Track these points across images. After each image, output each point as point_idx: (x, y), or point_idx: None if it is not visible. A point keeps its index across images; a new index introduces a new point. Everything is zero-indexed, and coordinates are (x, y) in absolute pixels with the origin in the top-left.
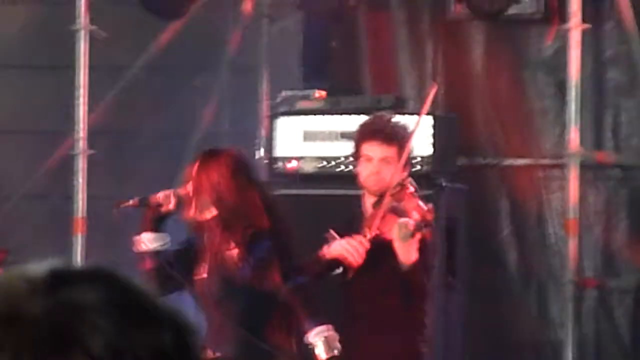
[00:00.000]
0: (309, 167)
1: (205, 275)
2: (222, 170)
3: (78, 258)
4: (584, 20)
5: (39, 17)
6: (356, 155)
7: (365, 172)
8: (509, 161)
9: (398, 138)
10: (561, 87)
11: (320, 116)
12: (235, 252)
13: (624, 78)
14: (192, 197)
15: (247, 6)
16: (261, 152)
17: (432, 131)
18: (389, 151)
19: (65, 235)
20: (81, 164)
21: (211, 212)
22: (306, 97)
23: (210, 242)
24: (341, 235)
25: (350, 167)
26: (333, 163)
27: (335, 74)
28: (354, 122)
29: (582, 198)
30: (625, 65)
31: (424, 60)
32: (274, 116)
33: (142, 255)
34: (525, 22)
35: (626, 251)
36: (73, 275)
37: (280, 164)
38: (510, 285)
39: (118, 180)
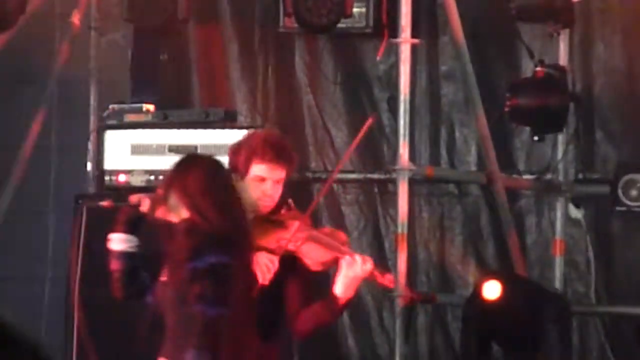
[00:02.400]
0: (137, 181)
1: (164, 279)
2: (198, 175)
3: None
4: (419, 35)
5: None
6: (241, 171)
7: (256, 193)
8: (340, 176)
9: (289, 158)
10: (391, 103)
11: (149, 130)
12: None
13: (458, 94)
14: (163, 199)
15: (76, 18)
16: (90, 166)
17: None
18: (282, 173)
19: None
20: None
21: (179, 216)
22: (134, 111)
23: (173, 245)
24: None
25: None
26: (161, 177)
27: (165, 88)
28: (182, 136)
29: (417, 213)
30: (460, 81)
31: (255, 74)
32: (102, 129)
33: (111, 255)
34: (358, 36)
35: (460, 267)
36: None
37: (108, 177)
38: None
39: None
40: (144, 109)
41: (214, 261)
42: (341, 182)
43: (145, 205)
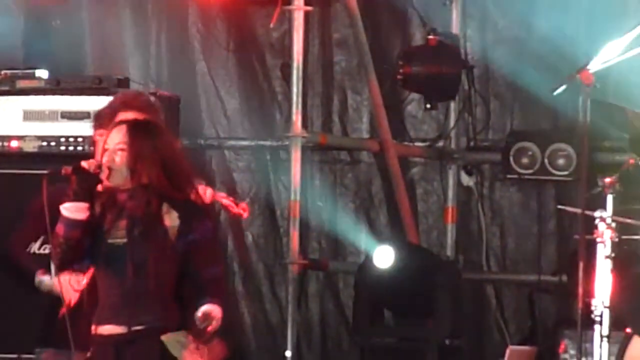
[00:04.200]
0: (29, 147)
1: (124, 241)
2: (167, 140)
3: None
4: (310, 3)
5: None
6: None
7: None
8: (231, 142)
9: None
10: (284, 70)
11: (41, 96)
12: (172, 220)
13: (351, 61)
14: (123, 166)
15: None
16: None
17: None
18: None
19: None
20: None
21: (138, 180)
22: (27, 77)
23: (141, 208)
24: None
25: (72, 147)
26: (54, 143)
27: (58, 55)
28: (74, 102)
29: (309, 181)
30: (353, 48)
31: (148, 41)
32: None
33: (66, 223)
34: (251, 3)
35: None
36: None
37: (0, 143)
38: (243, 268)
39: None
40: (36, 75)
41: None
42: (233, 148)
43: (102, 172)
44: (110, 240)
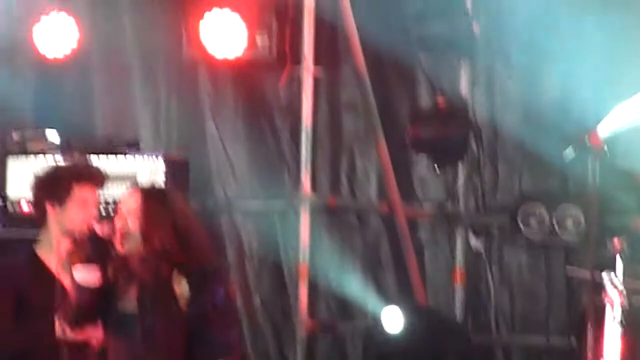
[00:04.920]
0: None
1: (134, 307)
2: (180, 206)
3: None
4: (321, 65)
5: None
6: (63, 196)
7: (81, 215)
8: (240, 203)
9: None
10: (294, 132)
11: (52, 156)
12: (182, 288)
13: (359, 123)
14: (137, 232)
15: None
16: None
17: (164, 174)
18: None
19: None
20: None
21: (150, 246)
22: (37, 138)
23: (152, 274)
24: None
25: None
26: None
27: (68, 115)
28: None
29: (318, 242)
30: (361, 110)
31: (158, 102)
32: (4, 156)
33: (78, 288)
34: (261, 66)
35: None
36: None
37: (12, 205)
38: (251, 329)
39: None
40: (47, 135)
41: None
42: (242, 209)
43: (110, 236)
44: (121, 306)
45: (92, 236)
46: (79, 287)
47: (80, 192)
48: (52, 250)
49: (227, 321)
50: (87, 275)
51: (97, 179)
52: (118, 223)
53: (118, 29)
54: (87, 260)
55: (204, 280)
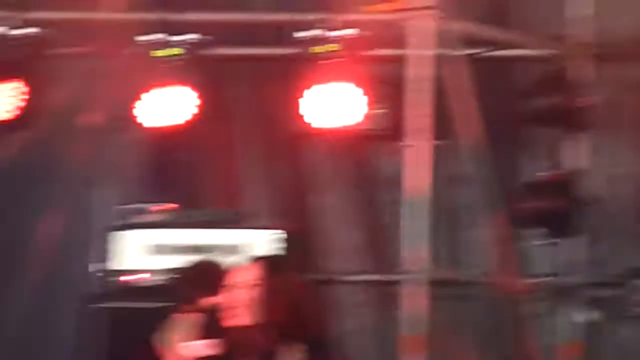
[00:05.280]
0: (148, 281)
1: None
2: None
3: None
4: (434, 137)
5: None
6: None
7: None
8: (347, 277)
9: None
10: (402, 204)
11: (164, 229)
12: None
13: (469, 196)
14: (256, 302)
15: (90, 117)
16: (99, 265)
17: (278, 246)
18: None
19: None
20: None
21: (267, 316)
22: (147, 210)
23: (267, 345)
24: None
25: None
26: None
27: (178, 187)
28: (197, 235)
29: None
30: (472, 183)
31: (268, 175)
32: (111, 229)
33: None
34: (370, 137)
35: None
36: None
37: (116, 276)
38: None
39: None
40: (158, 208)
41: None
42: (348, 283)
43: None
44: None
45: (210, 308)
46: None
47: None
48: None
49: None
50: (200, 349)
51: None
52: (235, 295)
53: (230, 99)
54: (206, 332)
55: (318, 351)
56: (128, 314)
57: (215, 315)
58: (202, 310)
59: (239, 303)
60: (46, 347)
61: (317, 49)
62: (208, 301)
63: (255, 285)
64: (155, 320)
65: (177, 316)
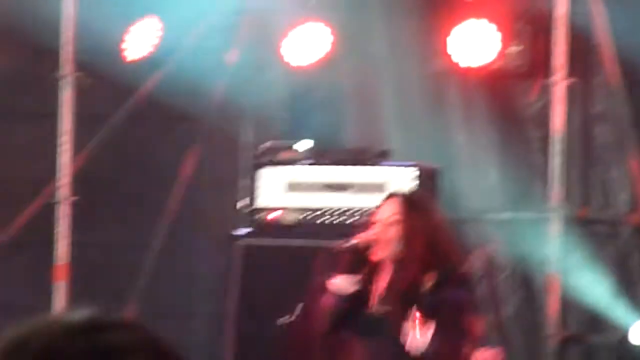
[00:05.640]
0: (291, 218)
1: (386, 312)
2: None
3: (60, 305)
4: (573, 75)
5: (21, 63)
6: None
7: None
8: (490, 215)
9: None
10: (544, 143)
11: (304, 167)
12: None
13: (612, 134)
14: (396, 238)
15: (232, 55)
16: (243, 202)
17: (416, 183)
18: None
19: (45, 282)
20: (64, 211)
21: (407, 252)
22: (289, 148)
23: (406, 280)
24: None
25: (334, 219)
26: (316, 214)
27: (320, 125)
28: (337, 173)
29: (568, 254)
30: (613, 121)
31: (408, 113)
32: (256, 166)
33: (334, 295)
34: (513, 76)
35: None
36: (107, 322)
37: (261, 214)
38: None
39: (102, 227)
40: (299, 146)
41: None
42: (491, 221)
43: (365, 244)
44: (371, 311)
45: (352, 246)
46: (337, 296)
47: None
48: None
49: (455, 330)
50: (344, 284)
51: None
52: (376, 231)
53: (369, 37)
54: (348, 269)
55: (449, 280)
56: (273, 252)
57: (363, 252)
58: (351, 247)
59: (379, 239)
60: (191, 284)
61: None
62: (357, 238)
63: (396, 220)
64: (301, 258)
65: (331, 252)
